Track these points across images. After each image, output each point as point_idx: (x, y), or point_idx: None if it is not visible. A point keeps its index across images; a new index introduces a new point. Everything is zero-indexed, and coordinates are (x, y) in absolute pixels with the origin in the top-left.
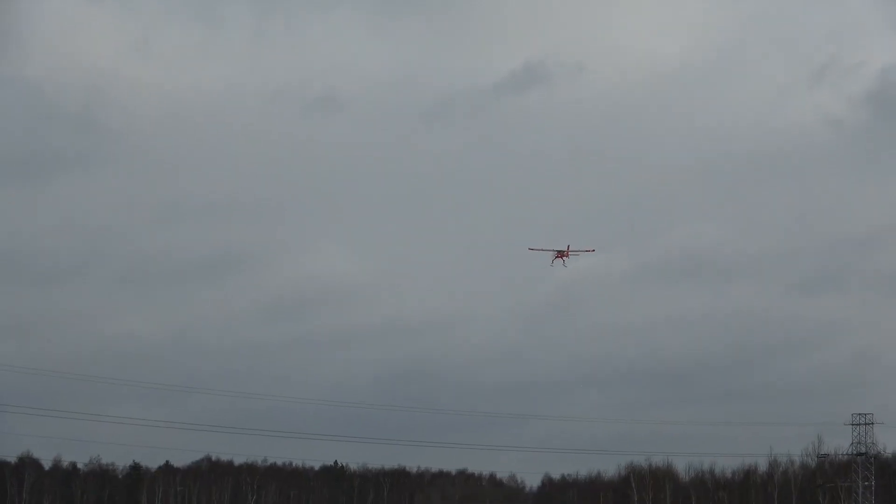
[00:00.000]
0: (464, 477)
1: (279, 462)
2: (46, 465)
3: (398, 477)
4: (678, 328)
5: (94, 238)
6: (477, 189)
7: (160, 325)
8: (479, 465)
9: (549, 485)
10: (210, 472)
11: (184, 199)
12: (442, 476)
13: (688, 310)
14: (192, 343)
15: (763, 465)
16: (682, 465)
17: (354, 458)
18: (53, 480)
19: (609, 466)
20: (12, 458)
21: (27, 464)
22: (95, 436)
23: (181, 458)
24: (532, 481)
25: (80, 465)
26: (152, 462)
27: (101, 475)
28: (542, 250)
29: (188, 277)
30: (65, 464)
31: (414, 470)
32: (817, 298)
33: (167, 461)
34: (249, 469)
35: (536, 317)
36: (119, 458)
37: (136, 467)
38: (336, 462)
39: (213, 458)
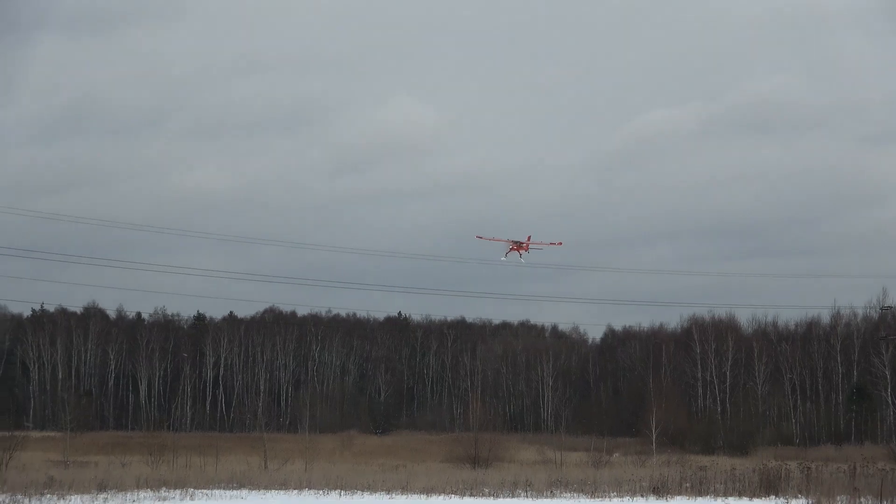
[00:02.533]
0: (526, 328)
1: (343, 313)
2: (111, 314)
3: (461, 328)
4: (746, 182)
5: (168, 89)
6: (549, 42)
7: (231, 176)
8: (542, 316)
9: (611, 336)
10: (274, 323)
11: (259, 51)
12: (504, 327)
13: (756, 164)
14: (262, 195)
15: (826, 318)
16: (745, 317)
17: (417, 309)
18: (119, 330)
19: (671, 318)
20: (78, 308)
21: (92, 313)
22: (161, 286)
23: (245, 309)
24: (594, 333)
25: (144, 316)
26: (216, 312)
27: (165, 325)
28: (493, 240)
29: (261, 130)
30: (130, 314)
31: (476, 321)
32: (887, 151)
33: (231, 312)
34: (313, 320)
35: (606, 171)
36: (184, 308)
37: (200, 318)
38: (399, 313)
39: (277, 309)
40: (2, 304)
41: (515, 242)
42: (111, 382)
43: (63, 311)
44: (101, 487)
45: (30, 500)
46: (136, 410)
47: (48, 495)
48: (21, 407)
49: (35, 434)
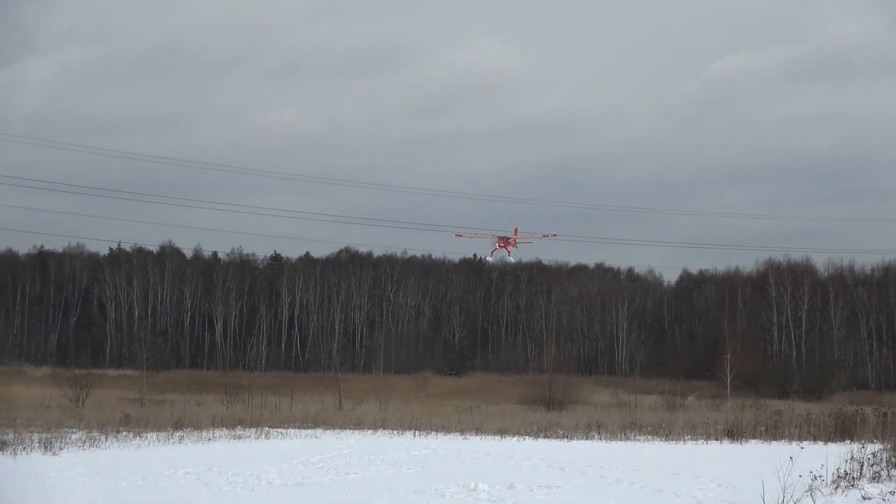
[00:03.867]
0: (602, 271)
1: (418, 254)
2: (188, 254)
3: (536, 270)
4: (827, 126)
5: (251, 31)
6: None
7: (310, 118)
8: (618, 259)
9: (686, 279)
10: (349, 264)
11: None
12: (580, 269)
13: (838, 107)
14: (340, 136)
15: None
16: (822, 261)
17: None
18: (195, 269)
19: (748, 262)
20: (155, 247)
21: (169, 253)
22: (237, 226)
23: (321, 250)
24: (670, 276)
25: (221, 255)
26: (292, 253)
27: (241, 265)
28: (475, 237)
29: (341, 71)
30: (206, 253)
31: (552, 264)
32: None
33: (307, 252)
34: (389, 261)
35: (686, 115)
36: (260, 248)
37: (276, 258)
38: (475, 255)
39: (353, 250)
40: (80, 243)
41: (501, 238)
42: (187, 322)
43: (140, 251)
44: (177, 426)
45: (106, 438)
46: (211, 350)
47: (125, 433)
48: (98, 345)
49: (112, 372)
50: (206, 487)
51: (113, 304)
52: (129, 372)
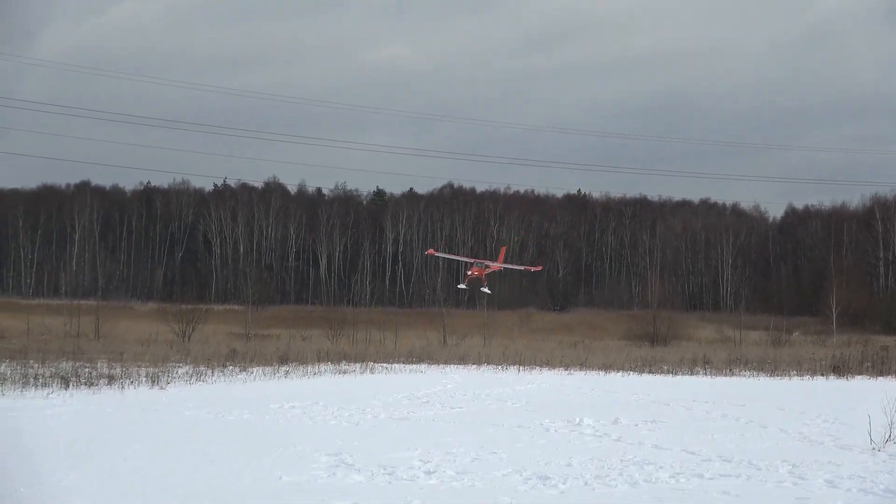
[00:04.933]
0: (706, 206)
1: (521, 190)
2: (292, 190)
3: (640, 206)
4: None
5: None
6: None
7: (416, 54)
8: (723, 194)
9: (791, 215)
10: (452, 199)
11: None
12: (684, 205)
13: None
14: (445, 72)
15: None
16: None
17: (597, 186)
18: (299, 205)
19: (853, 198)
20: (259, 183)
21: (273, 188)
22: (341, 162)
23: (425, 185)
24: (775, 211)
25: (325, 191)
26: (396, 188)
27: (345, 201)
28: (449, 256)
29: (448, 7)
30: (310, 189)
31: (656, 199)
32: None
33: (411, 188)
34: (492, 196)
35: (793, 51)
36: (364, 184)
37: (380, 193)
38: (579, 191)
39: (456, 185)
40: (185, 179)
41: (477, 266)
42: (291, 257)
43: (245, 186)
44: (283, 360)
45: (212, 373)
46: (315, 285)
47: (230, 367)
48: (203, 281)
49: (217, 308)
50: (311, 421)
51: (218, 240)
52: (234, 307)
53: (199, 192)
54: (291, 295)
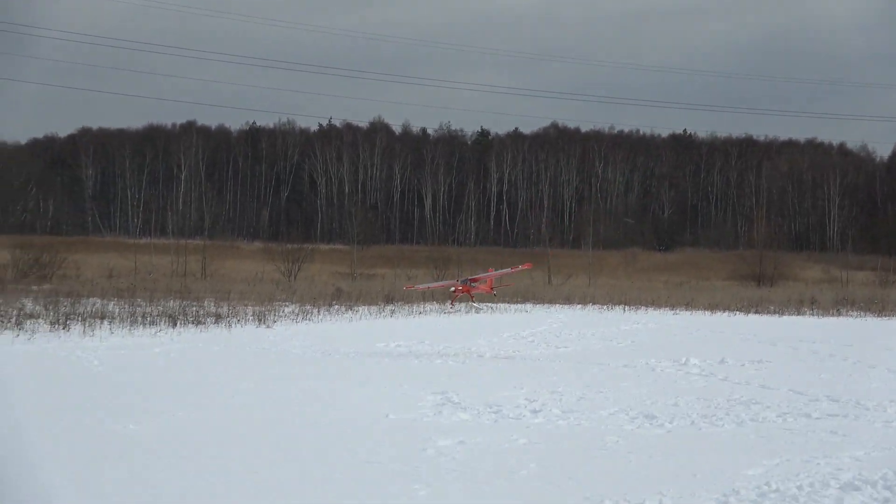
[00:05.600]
0: (812, 146)
1: (626, 130)
2: (397, 130)
3: (746, 145)
4: None
5: None
6: None
7: None
8: (829, 134)
9: None
10: (557, 139)
11: None
12: (790, 145)
13: None
14: (552, 12)
15: None
16: None
17: (702, 126)
18: (404, 145)
19: None
20: (364, 123)
21: (378, 128)
22: (446, 102)
23: (529, 125)
24: (883, 151)
25: (430, 131)
26: (500, 128)
27: (449, 140)
28: (430, 288)
29: None
30: (415, 129)
31: (762, 139)
32: None
33: (516, 128)
34: (596, 136)
35: None
36: (468, 124)
37: (484, 133)
38: (684, 130)
39: (561, 125)
40: (290, 119)
41: (463, 282)
42: (396, 197)
43: (349, 126)
44: (388, 299)
45: (318, 311)
46: (420, 225)
47: (336, 307)
48: (309, 221)
49: (322, 247)
50: (417, 360)
51: (323, 180)
52: (339, 247)
53: (304, 132)
54: (396, 235)
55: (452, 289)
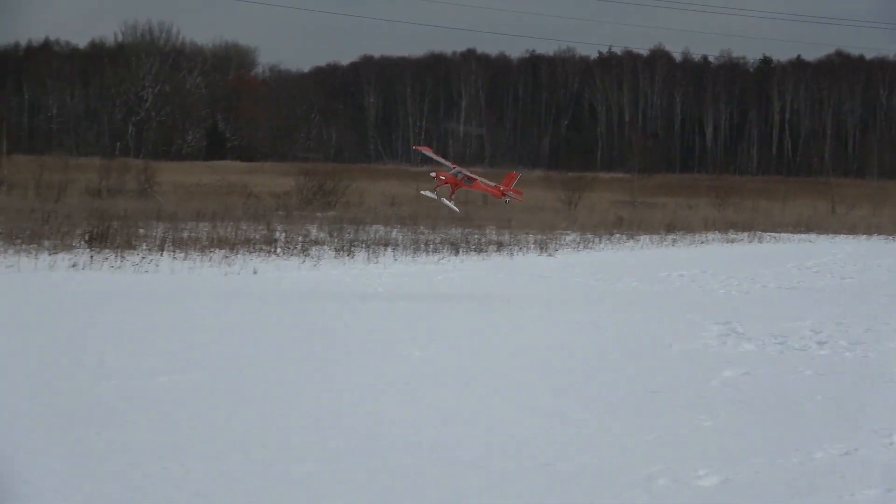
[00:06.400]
0: None
1: None
2: (677, 57)
3: None
4: None
5: None
6: None
7: None
8: None
9: None
10: (840, 67)
11: None
12: None
13: None
14: None
15: None
16: None
17: None
18: (684, 73)
19: None
20: (644, 51)
21: (658, 56)
22: (727, 29)
23: (812, 53)
24: None
25: (710, 59)
26: (782, 56)
27: (731, 69)
28: (433, 156)
29: None
30: (695, 57)
31: None
32: None
33: (798, 55)
34: (881, 64)
35: None
36: (750, 51)
37: (766, 61)
38: None
39: (845, 53)
40: (570, 47)
41: (453, 174)
42: (677, 125)
43: (630, 54)
44: (669, 228)
45: (599, 240)
46: (701, 153)
47: (617, 235)
48: (589, 149)
49: (603, 175)
50: (700, 290)
51: (603, 108)
52: (619, 175)
53: (584, 60)
54: (677, 163)
55: (434, 173)
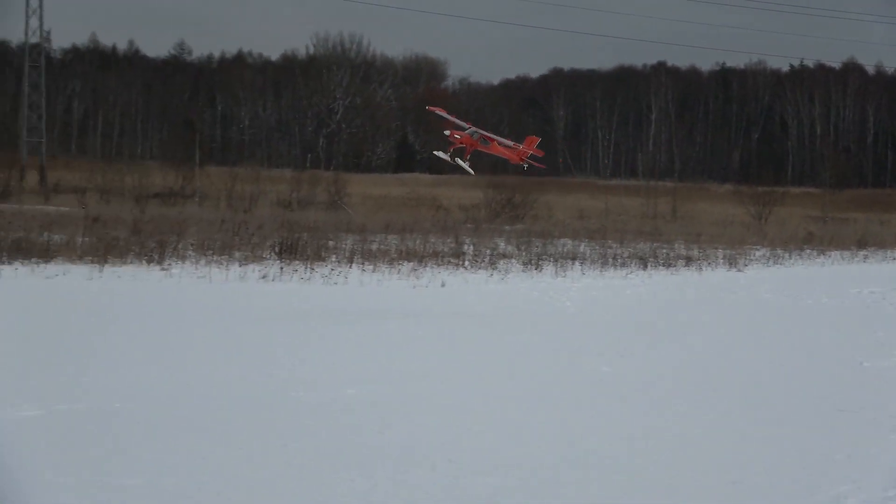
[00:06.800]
0: None
1: None
2: (870, 70)
3: None
4: None
5: None
6: None
7: None
8: None
9: None
10: None
11: None
12: None
13: None
14: None
15: None
16: None
17: None
18: (877, 85)
19: None
20: (836, 64)
21: (851, 69)
22: None
23: None
24: None
25: None
26: None
27: None
28: (447, 116)
29: None
30: (889, 70)
31: None
32: None
33: None
34: None
35: None
36: None
37: None
38: None
39: None
40: (761, 59)
41: (469, 134)
42: (869, 139)
43: (822, 67)
44: (861, 244)
45: (789, 255)
46: (894, 168)
47: (807, 250)
48: (779, 163)
49: (794, 189)
50: (892, 307)
51: (794, 122)
52: (811, 189)
53: (775, 73)
54: (869, 178)
55: (448, 131)
